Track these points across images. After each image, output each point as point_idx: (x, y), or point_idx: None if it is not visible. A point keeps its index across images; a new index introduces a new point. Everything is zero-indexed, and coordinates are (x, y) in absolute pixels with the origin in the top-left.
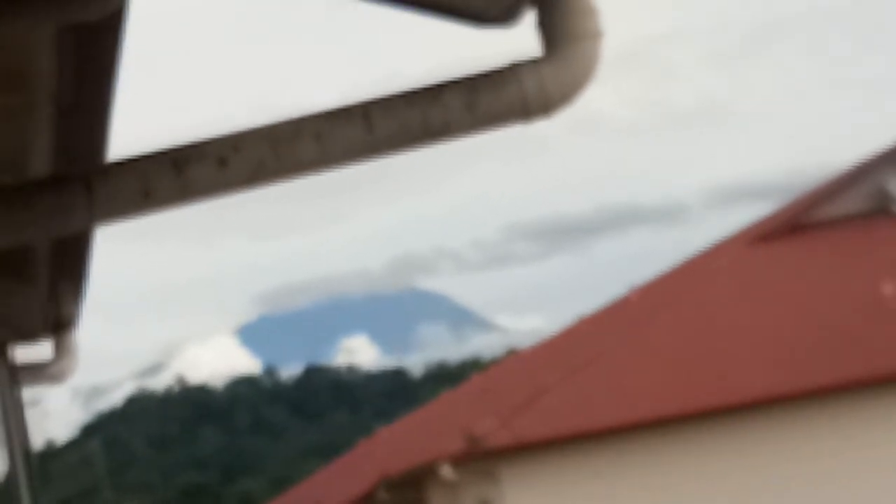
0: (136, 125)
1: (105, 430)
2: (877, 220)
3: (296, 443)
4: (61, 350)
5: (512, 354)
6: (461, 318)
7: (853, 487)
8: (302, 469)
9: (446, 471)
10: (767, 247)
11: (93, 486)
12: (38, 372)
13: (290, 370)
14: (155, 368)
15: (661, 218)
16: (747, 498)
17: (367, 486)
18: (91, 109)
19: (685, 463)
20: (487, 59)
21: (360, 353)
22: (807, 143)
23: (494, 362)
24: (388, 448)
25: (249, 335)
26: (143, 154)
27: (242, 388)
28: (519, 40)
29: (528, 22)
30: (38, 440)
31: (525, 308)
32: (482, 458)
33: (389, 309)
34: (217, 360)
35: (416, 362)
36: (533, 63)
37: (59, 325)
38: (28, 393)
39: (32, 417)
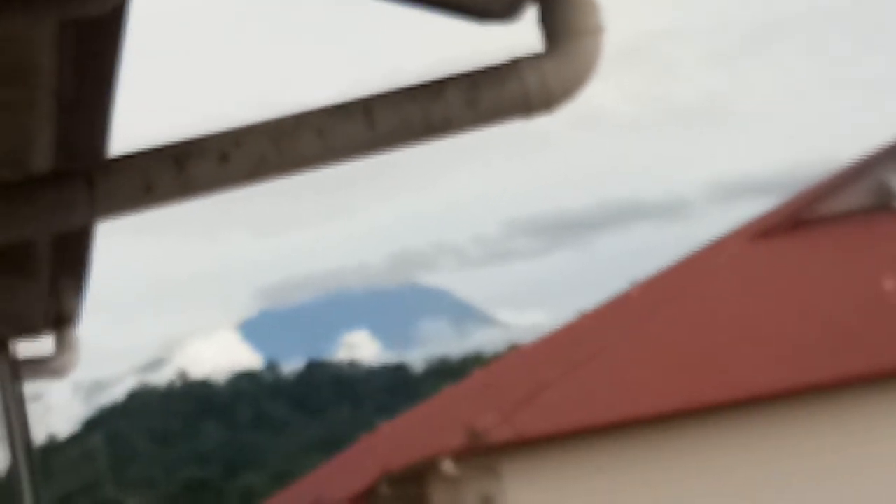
0: (137, 121)
1: (107, 424)
2: (878, 216)
3: (297, 438)
4: (63, 345)
5: (513, 350)
6: (462, 313)
7: (856, 483)
8: (303, 464)
9: (448, 466)
10: (769, 242)
11: (94, 481)
12: (39, 367)
13: (291, 365)
14: (156, 363)
15: (662, 213)
16: (749, 493)
17: (369, 481)
18: (92, 105)
19: (687, 458)
20: (489, 54)
21: (361, 348)
22: (807, 141)
23: (496, 357)
24: (390, 443)
25: (251, 330)
26: (144, 149)
27: (244, 382)
28: (520, 36)
29: (530, 18)
30: (39, 435)
31: (526, 303)
32: (484, 454)
33: (391, 304)
34: (218, 355)
35: (417, 357)
36: (534, 59)
37: (60, 320)
38: (30, 387)
39: (34, 412)
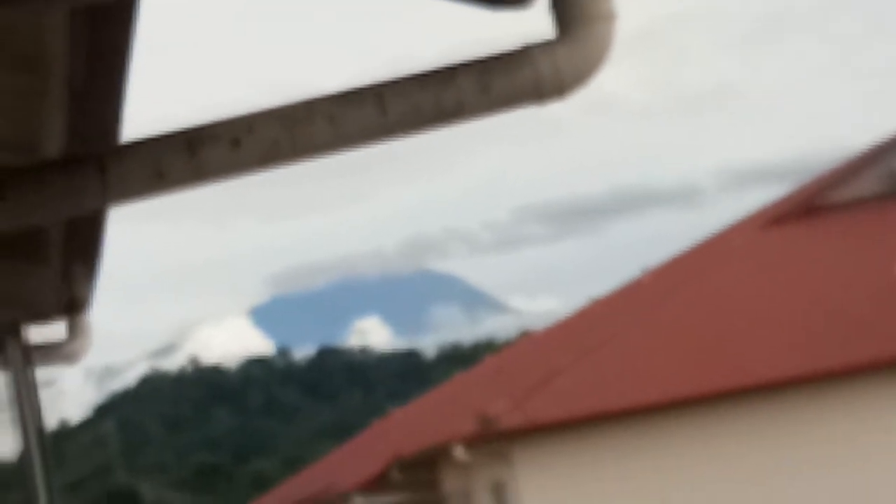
0: (149, 107)
1: (118, 410)
2: (890, 203)
3: (309, 424)
4: (75, 330)
5: (525, 336)
6: (474, 299)
7: (868, 471)
8: (315, 450)
9: (459, 452)
10: (781, 229)
11: (106, 466)
12: (51, 352)
13: (303, 351)
14: (168, 349)
15: (674, 200)
16: (761, 479)
17: (381, 467)
18: (104, 91)
19: (698, 444)
20: (501, 41)
21: (372, 334)
22: (820, 128)
23: (507, 344)
24: (402, 429)
25: (262, 316)
26: (156, 135)
27: (255, 368)
28: (533, 22)
29: (542, 4)
30: (51, 420)
31: (538, 290)
32: (495, 440)
33: (402, 290)
34: (230, 340)
35: (429, 344)
36: (546, 45)
37: (72, 305)
38: (42, 373)
39: (46, 397)
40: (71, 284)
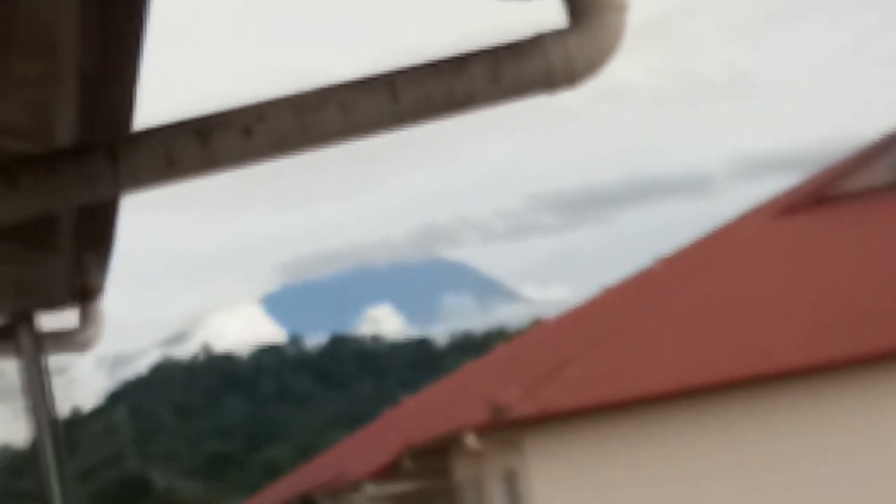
0: (161, 94)
1: (130, 398)
2: None
3: (321, 412)
4: (87, 318)
5: (537, 325)
6: (486, 288)
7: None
8: (327, 438)
9: (471, 440)
10: (792, 218)
11: (118, 454)
12: (64, 340)
13: (314, 339)
14: (180, 337)
15: (686, 189)
16: (770, 468)
17: (392, 455)
18: (116, 78)
19: (709, 433)
20: (512, 29)
21: (384, 322)
22: (832, 117)
23: (519, 333)
24: (413, 417)
25: (274, 304)
26: (167, 123)
27: (267, 357)
28: (544, 11)
29: None
30: (64, 408)
31: (550, 278)
32: (507, 428)
33: (414, 279)
34: (242, 329)
35: (440, 332)
36: (558, 33)
37: (85, 293)
38: (54, 361)
39: (58, 385)
40: (83, 272)
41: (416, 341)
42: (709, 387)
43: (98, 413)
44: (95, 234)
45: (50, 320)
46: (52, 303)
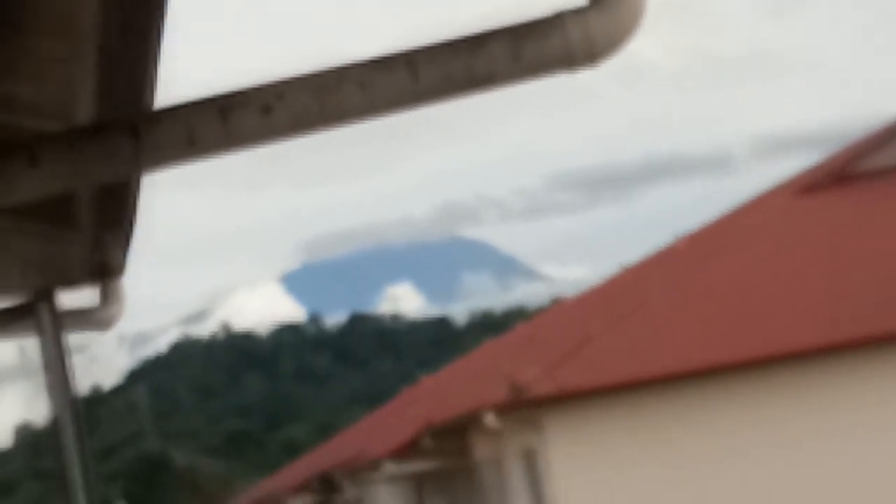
0: (181, 73)
1: (150, 376)
2: None
3: (340, 390)
4: (108, 297)
5: (556, 304)
6: (506, 266)
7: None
8: (346, 416)
9: (490, 419)
10: (813, 197)
11: (138, 432)
12: (84, 318)
13: (334, 318)
14: (200, 315)
15: (707, 167)
16: (788, 447)
17: (412, 434)
18: (137, 57)
19: (728, 412)
20: (533, 7)
21: (404, 301)
22: (854, 95)
23: (539, 311)
24: (433, 396)
25: (294, 283)
26: (188, 101)
27: (287, 335)
28: None
29: None
30: (84, 386)
31: (570, 257)
32: (526, 407)
33: (434, 257)
34: (262, 307)
35: (460, 311)
36: (578, 12)
37: (105, 271)
38: (74, 339)
39: (79, 363)
40: (104, 250)
41: (435, 320)
42: (728, 366)
43: (118, 391)
44: (116, 212)
45: (70, 298)
46: (73, 281)
